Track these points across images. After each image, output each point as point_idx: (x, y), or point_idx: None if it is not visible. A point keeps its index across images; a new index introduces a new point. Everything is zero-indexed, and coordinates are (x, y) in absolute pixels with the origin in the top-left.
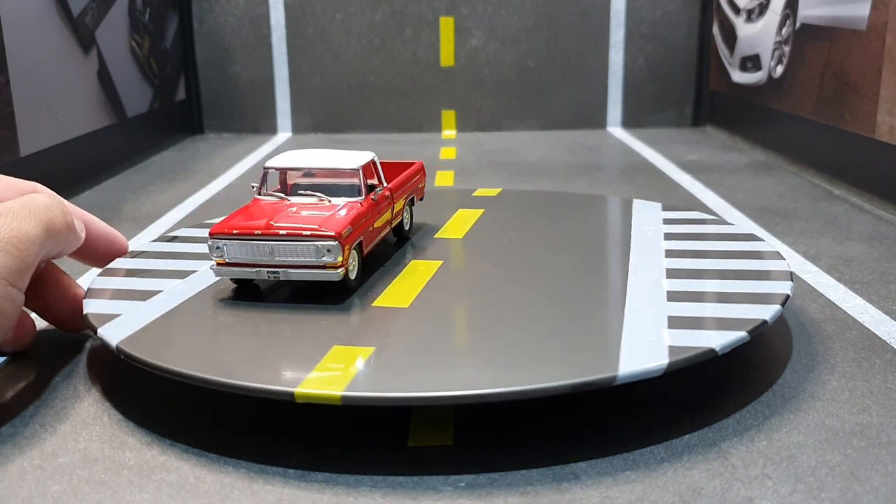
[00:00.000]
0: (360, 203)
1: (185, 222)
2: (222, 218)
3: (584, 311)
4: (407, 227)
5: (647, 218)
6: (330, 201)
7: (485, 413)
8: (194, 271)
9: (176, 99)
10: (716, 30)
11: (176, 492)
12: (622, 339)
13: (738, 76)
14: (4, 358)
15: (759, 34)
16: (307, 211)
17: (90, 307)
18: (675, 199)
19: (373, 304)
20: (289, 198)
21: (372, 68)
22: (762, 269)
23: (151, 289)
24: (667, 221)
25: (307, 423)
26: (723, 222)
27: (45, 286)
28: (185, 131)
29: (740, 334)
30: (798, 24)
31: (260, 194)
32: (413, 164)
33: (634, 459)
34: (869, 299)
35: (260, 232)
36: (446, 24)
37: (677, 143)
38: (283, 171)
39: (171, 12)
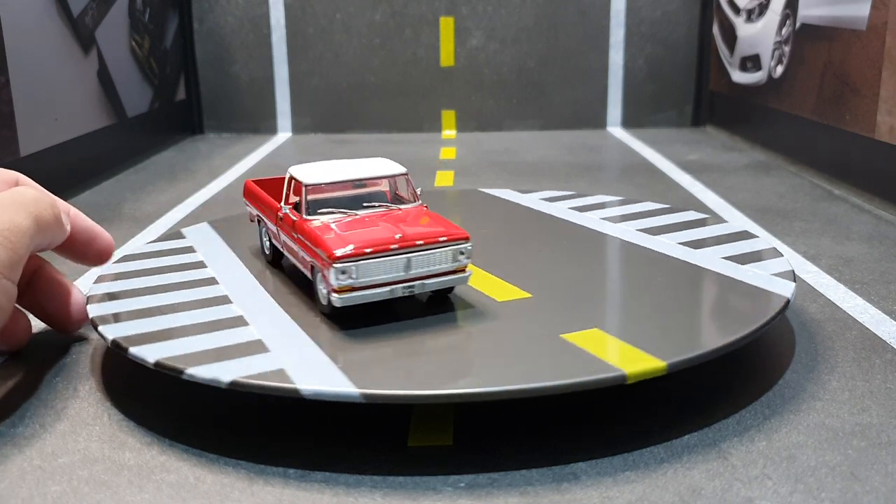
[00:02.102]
0: (426, 206)
1: (185, 222)
2: (203, 222)
3: (689, 277)
4: None
5: (542, 203)
6: (401, 209)
7: (484, 413)
8: (228, 303)
9: (176, 99)
10: (716, 30)
11: (176, 492)
12: (763, 285)
13: (739, 76)
14: (1, 358)
15: (759, 34)
16: (401, 221)
17: (232, 371)
18: (675, 198)
19: (499, 301)
20: (354, 212)
21: (372, 68)
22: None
23: (256, 337)
24: (550, 199)
25: (307, 423)
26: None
27: (38, 285)
28: (185, 131)
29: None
30: (798, 24)
31: (309, 214)
32: None
33: (634, 460)
34: (869, 299)
35: (396, 246)
36: (446, 24)
37: (677, 143)
38: (291, 186)
39: (171, 12)
